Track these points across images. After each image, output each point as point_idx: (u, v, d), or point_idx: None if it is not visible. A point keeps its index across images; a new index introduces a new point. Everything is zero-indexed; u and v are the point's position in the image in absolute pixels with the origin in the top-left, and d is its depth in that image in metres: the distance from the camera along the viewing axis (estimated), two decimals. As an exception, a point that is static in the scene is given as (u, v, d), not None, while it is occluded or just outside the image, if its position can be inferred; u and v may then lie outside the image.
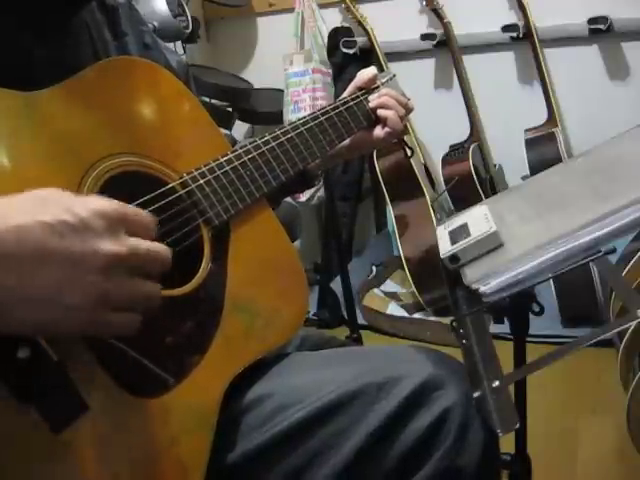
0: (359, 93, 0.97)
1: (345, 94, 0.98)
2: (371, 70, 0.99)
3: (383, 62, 2.31)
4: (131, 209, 0.55)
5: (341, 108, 0.93)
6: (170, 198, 0.69)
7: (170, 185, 0.70)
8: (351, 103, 0.95)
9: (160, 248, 0.55)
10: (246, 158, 0.78)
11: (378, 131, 0.97)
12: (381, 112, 0.96)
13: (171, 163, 0.72)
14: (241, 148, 0.78)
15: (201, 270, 0.70)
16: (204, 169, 0.73)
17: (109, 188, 0.65)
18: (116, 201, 0.54)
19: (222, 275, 0.72)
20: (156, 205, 0.67)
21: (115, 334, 0.56)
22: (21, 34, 0.68)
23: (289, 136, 0.84)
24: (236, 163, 0.77)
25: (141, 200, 0.66)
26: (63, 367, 0.55)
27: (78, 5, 0.75)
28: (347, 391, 0.68)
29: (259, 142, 0.80)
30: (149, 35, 0.89)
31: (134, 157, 0.69)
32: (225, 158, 0.76)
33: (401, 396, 0.67)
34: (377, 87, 0.99)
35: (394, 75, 1.03)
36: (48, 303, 0.49)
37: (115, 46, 0.81)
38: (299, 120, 0.87)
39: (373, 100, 0.97)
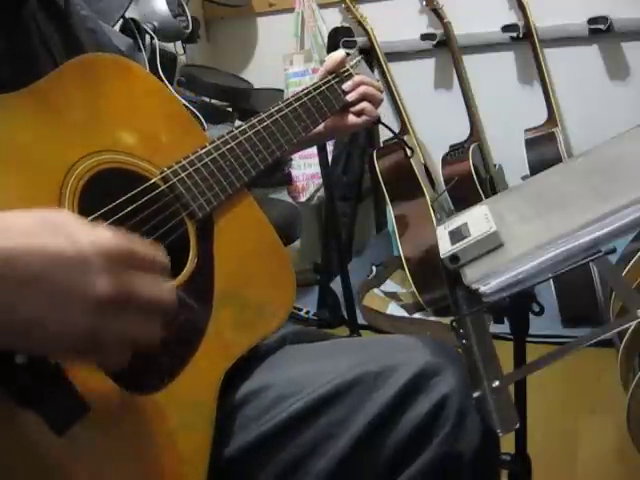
0: (330, 77, 0.99)
1: (316, 78, 0.99)
2: (339, 53, 1.01)
3: (383, 62, 2.31)
4: (141, 246, 0.52)
5: (314, 93, 0.94)
6: (152, 194, 0.69)
7: (152, 181, 0.70)
8: (323, 87, 0.96)
9: (165, 294, 0.52)
10: (225, 149, 0.78)
11: (354, 119, 1.01)
12: (359, 105, 1.00)
13: (151, 158, 0.72)
14: (219, 139, 0.79)
15: (188, 264, 0.71)
16: (184, 162, 0.73)
17: (91, 187, 0.65)
18: (126, 236, 0.51)
19: (209, 268, 0.72)
20: (139, 202, 0.67)
21: (102, 367, 0.56)
22: None
23: (265, 124, 0.84)
24: (215, 154, 0.77)
25: (123, 198, 0.66)
26: (61, 369, 0.55)
27: None
28: (344, 381, 0.69)
29: (236, 132, 0.81)
30: (91, 20, 0.88)
31: (113, 154, 0.68)
32: (204, 150, 0.76)
33: (399, 384, 0.67)
34: (347, 70, 1.01)
35: (362, 57, 1.06)
36: (32, 329, 0.47)
37: (61, 34, 0.79)
38: (273, 108, 0.87)
39: (348, 88, 0.99)
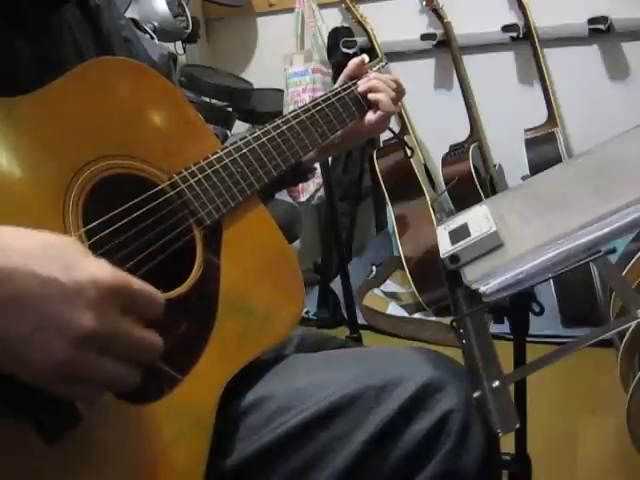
0: (350, 83, 0.96)
1: (336, 85, 0.97)
2: (359, 57, 0.98)
3: (383, 62, 2.31)
4: (138, 286, 0.51)
5: (332, 99, 0.91)
6: (160, 200, 0.68)
7: (160, 187, 0.69)
8: (343, 94, 0.93)
9: (151, 339, 0.52)
10: (237, 155, 0.76)
11: (370, 116, 0.96)
12: (371, 96, 0.95)
13: (160, 164, 0.71)
14: (232, 145, 0.77)
15: (194, 271, 0.69)
16: (194, 168, 0.72)
17: (97, 193, 0.64)
18: (123, 274, 0.51)
19: (216, 275, 0.71)
20: (146, 208, 0.66)
21: (75, 400, 0.55)
22: (6, 33, 0.68)
23: (280, 130, 0.82)
24: (227, 160, 0.75)
25: (129, 204, 0.65)
26: None
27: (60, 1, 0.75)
28: (346, 394, 0.68)
29: (249, 138, 0.79)
30: (128, 29, 0.88)
31: (122, 160, 0.67)
32: (215, 156, 0.74)
33: (401, 400, 0.66)
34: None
35: (386, 63, 1.03)
36: (9, 351, 0.47)
37: (96, 42, 0.80)
38: (290, 113, 0.85)
39: (362, 85, 0.96)
